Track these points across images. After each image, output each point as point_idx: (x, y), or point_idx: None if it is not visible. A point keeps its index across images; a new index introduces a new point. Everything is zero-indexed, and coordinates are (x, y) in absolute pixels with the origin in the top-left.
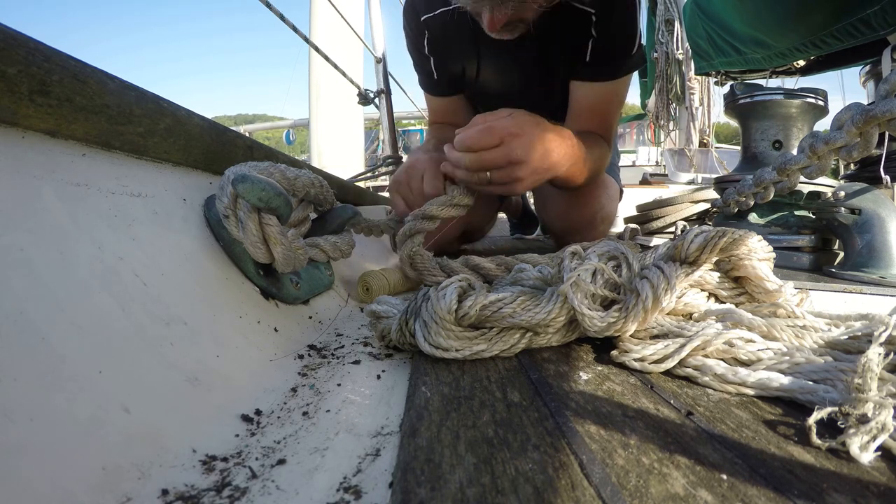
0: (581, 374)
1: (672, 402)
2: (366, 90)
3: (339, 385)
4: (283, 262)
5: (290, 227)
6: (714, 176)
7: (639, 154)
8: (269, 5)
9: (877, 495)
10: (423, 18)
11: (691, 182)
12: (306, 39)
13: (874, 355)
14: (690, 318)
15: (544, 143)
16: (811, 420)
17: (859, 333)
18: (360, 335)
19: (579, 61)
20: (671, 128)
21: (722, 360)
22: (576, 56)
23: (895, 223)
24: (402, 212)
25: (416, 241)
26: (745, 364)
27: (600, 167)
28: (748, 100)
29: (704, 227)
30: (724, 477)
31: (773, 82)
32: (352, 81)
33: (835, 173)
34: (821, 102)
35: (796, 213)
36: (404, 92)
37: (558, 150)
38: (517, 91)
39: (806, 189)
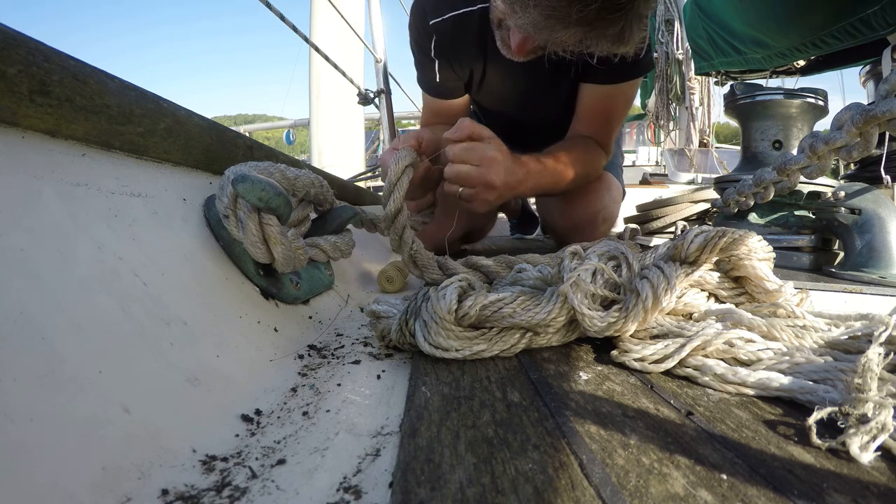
0: (581, 374)
1: (672, 402)
2: (366, 90)
3: (339, 385)
4: (283, 262)
5: (290, 227)
6: (714, 176)
7: (639, 154)
8: (269, 5)
9: (877, 495)
10: (431, 22)
11: (691, 182)
12: (306, 39)
13: (874, 355)
14: (690, 318)
15: (514, 173)
16: (811, 420)
17: (859, 333)
18: (360, 335)
19: (588, 65)
20: (671, 128)
21: (722, 360)
22: (585, 60)
23: (895, 223)
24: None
25: (404, 215)
26: (745, 364)
27: (588, 173)
28: (748, 100)
29: (704, 227)
30: (724, 477)
31: (773, 82)
32: (352, 81)
33: (835, 173)
34: (821, 102)
35: (796, 213)
36: (404, 92)
37: (523, 180)
38: (521, 96)
39: (806, 189)
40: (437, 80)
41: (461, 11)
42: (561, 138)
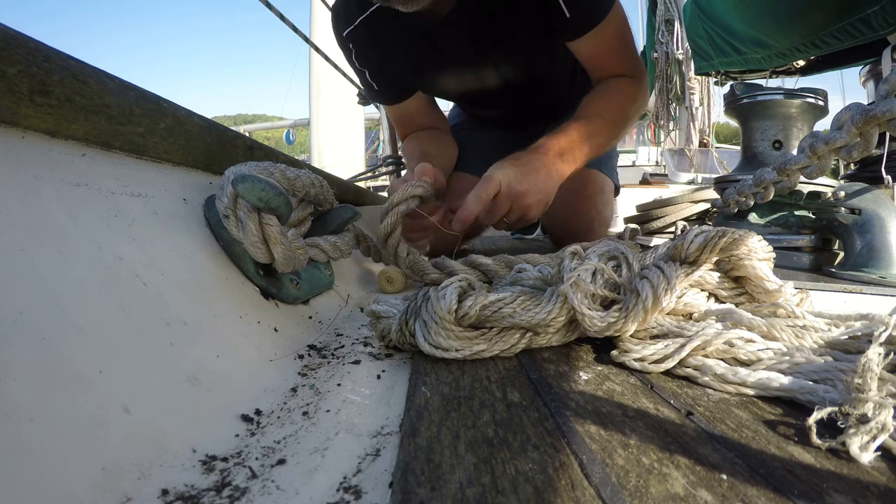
0: (581, 374)
1: (672, 402)
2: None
3: (339, 385)
4: (283, 262)
5: (290, 227)
6: (714, 176)
7: (639, 154)
8: (269, 5)
9: (877, 495)
10: (344, 33)
11: (691, 182)
12: (306, 39)
13: (874, 355)
14: (690, 318)
15: (539, 181)
16: (811, 420)
17: (859, 333)
18: (360, 335)
19: (559, 22)
20: (671, 128)
21: (722, 360)
22: (547, 19)
23: (895, 223)
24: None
25: (397, 235)
26: (745, 364)
27: (628, 106)
28: (748, 100)
29: (704, 227)
30: (724, 477)
31: (773, 82)
32: (352, 81)
33: (835, 173)
34: (821, 102)
35: (796, 213)
36: None
37: (553, 175)
38: (480, 73)
39: (806, 189)
40: (377, 87)
41: (369, 11)
42: (541, 110)
